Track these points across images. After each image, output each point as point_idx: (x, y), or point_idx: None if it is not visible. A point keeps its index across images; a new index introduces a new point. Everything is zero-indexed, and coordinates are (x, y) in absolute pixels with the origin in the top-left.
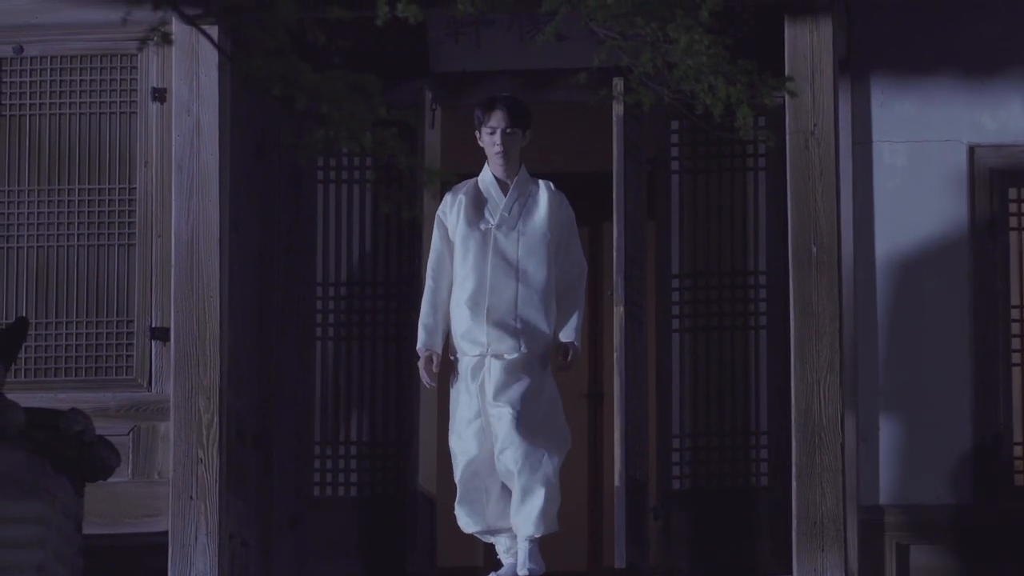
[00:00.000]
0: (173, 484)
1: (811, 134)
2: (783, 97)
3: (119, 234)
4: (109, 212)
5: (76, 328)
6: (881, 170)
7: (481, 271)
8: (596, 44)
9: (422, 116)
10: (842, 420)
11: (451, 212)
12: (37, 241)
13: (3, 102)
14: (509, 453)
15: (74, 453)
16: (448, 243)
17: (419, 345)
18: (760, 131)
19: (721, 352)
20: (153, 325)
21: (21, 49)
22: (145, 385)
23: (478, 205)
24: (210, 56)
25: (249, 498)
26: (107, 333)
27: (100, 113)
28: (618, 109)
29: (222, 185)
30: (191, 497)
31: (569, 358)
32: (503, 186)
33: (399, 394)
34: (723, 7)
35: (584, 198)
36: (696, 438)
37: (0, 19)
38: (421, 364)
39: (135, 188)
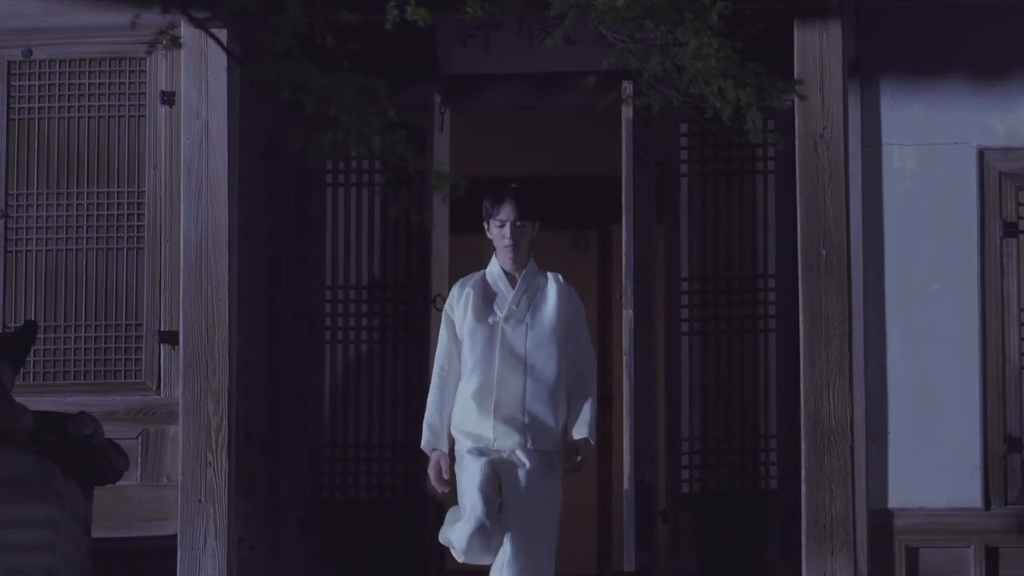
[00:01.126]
0: (182, 487)
1: (820, 137)
2: (792, 100)
3: (128, 237)
4: (118, 215)
5: (85, 332)
6: (890, 173)
7: (488, 365)
8: (605, 47)
9: (431, 119)
10: (851, 423)
11: (458, 306)
12: (46, 244)
13: (12, 105)
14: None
15: (83, 457)
16: (456, 340)
17: (424, 444)
18: (769, 134)
19: (730, 355)
20: (162, 328)
21: (30, 52)
22: (154, 388)
23: (486, 298)
24: (219, 59)
25: (258, 501)
26: (116, 336)
27: (109, 116)
28: (627, 112)
29: (231, 188)
30: (200, 500)
31: (580, 457)
32: (511, 279)
33: (407, 396)
34: (732, 11)
35: (593, 201)
36: (705, 441)
37: (9, 22)
38: (431, 470)
39: (144, 191)
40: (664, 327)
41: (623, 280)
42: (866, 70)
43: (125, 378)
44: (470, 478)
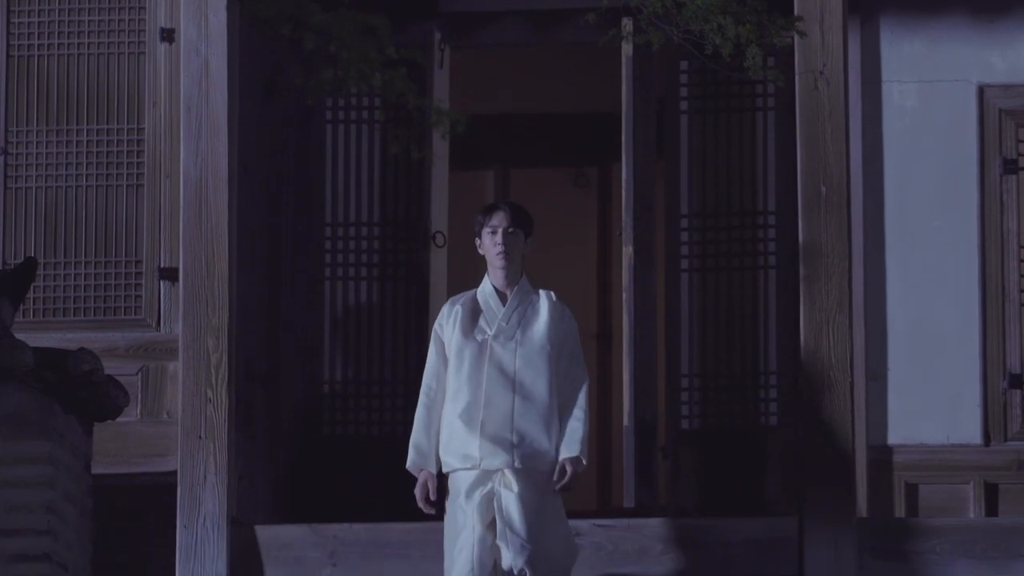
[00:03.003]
0: (182, 423)
1: (820, 74)
2: (792, 37)
3: (127, 174)
4: (118, 152)
5: (85, 268)
6: (890, 110)
7: (476, 383)
8: None
9: (431, 57)
10: (851, 360)
11: (447, 324)
12: (46, 181)
13: (12, 42)
14: None
15: (83, 393)
16: (444, 359)
17: (409, 464)
18: (769, 71)
19: (730, 292)
20: (162, 265)
21: None
22: (154, 325)
23: (475, 315)
24: None
25: (258, 437)
26: (116, 273)
27: (108, 53)
28: (627, 49)
29: (231, 126)
30: (200, 436)
31: (569, 474)
32: (502, 297)
33: (407, 332)
34: None
35: (593, 138)
36: (705, 378)
37: None
38: (417, 491)
39: (143, 128)
40: (664, 264)
41: (623, 217)
42: (866, 7)
43: (125, 315)
44: (458, 531)
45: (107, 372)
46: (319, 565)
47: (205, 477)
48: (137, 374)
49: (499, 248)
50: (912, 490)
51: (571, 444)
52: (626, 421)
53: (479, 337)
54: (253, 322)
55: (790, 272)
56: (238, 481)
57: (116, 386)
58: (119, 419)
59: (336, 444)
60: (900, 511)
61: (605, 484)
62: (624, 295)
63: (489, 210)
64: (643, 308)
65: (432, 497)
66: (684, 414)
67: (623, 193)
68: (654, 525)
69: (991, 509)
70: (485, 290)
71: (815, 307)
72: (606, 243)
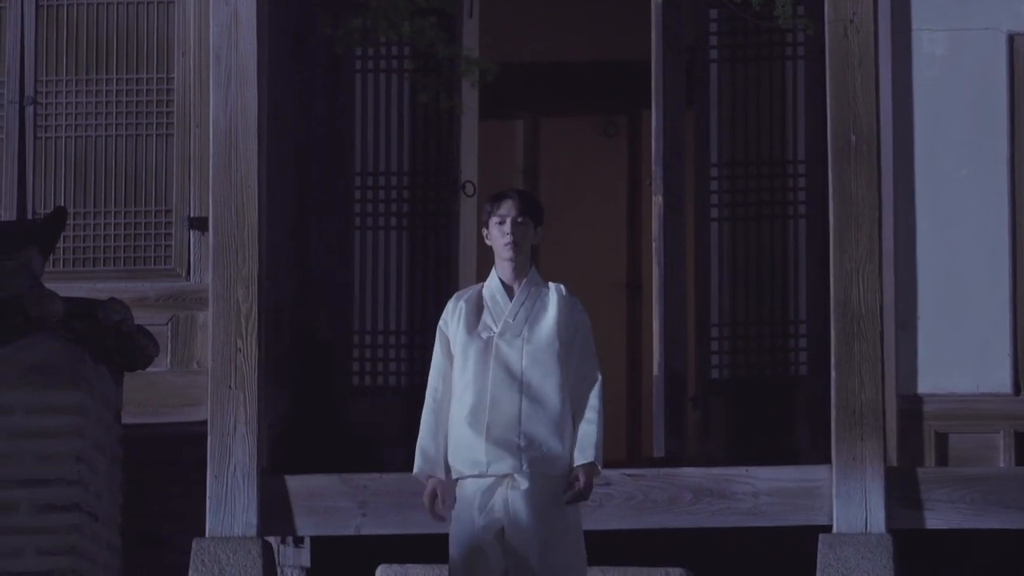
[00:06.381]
0: (212, 374)
1: (850, 22)
2: None
3: (157, 124)
4: (147, 102)
5: (114, 218)
6: (920, 59)
7: (481, 384)
8: None
9: (460, 5)
10: (881, 309)
11: (452, 320)
12: (75, 131)
13: None
14: None
15: (113, 343)
16: (450, 358)
17: (416, 470)
18: (799, 19)
19: (760, 241)
20: (191, 215)
21: None
22: (184, 275)
23: (480, 311)
24: None
25: (288, 387)
26: (145, 223)
27: (138, 2)
28: None
29: (259, 75)
30: (230, 387)
31: (583, 483)
32: (509, 291)
33: (437, 282)
34: None
35: (622, 87)
36: (735, 327)
37: None
38: (425, 499)
39: (172, 78)
40: (694, 213)
41: (653, 166)
42: None
43: (155, 264)
44: (467, 538)
45: (137, 322)
46: (349, 514)
47: (235, 427)
48: (167, 324)
49: (507, 239)
50: (942, 439)
51: (585, 450)
52: (656, 371)
53: (484, 335)
54: (283, 272)
55: (820, 221)
56: (268, 431)
57: (146, 336)
58: (149, 369)
59: (367, 394)
60: (930, 461)
61: (635, 434)
62: (654, 244)
63: (497, 199)
64: (673, 257)
65: (443, 503)
66: (714, 363)
67: (653, 142)
68: (684, 474)
69: (1021, 458)
70: (492, 284)
71: (845, 256)
72: (635, 192)
